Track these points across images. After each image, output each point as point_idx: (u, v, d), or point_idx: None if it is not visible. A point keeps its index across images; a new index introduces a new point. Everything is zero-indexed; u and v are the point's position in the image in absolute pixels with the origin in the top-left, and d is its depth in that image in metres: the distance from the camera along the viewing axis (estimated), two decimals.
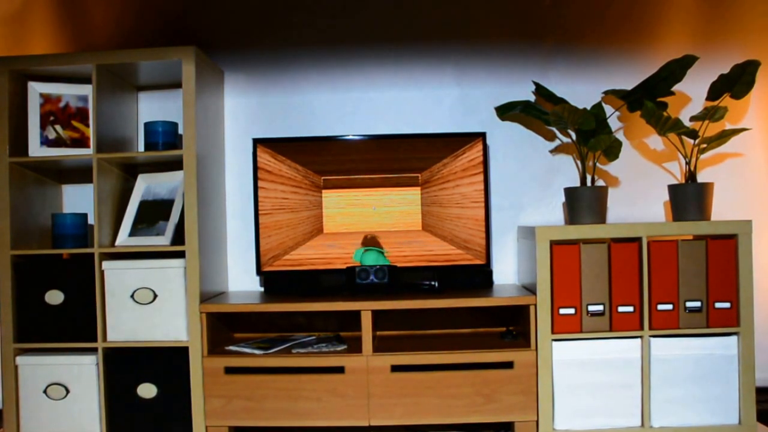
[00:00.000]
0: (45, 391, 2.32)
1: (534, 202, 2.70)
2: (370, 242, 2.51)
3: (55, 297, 2.33)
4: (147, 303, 2.30)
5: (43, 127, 2.43)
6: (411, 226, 2.53)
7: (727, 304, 2.25)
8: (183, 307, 2.30)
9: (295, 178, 2.54)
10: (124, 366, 2.31)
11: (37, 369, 2.33)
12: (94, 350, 2.33)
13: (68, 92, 2.47)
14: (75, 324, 2.32)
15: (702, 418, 2.24)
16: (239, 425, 2.29)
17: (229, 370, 2.26)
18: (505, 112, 2.58)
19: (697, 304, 2.25)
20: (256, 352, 2.30)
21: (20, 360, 2.33)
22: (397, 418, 2.24)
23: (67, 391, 2.32)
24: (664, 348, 2.24)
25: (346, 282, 2.49)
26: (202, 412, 2.27)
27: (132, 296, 2.30)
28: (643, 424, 2.24)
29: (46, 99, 2.44)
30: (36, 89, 2.43)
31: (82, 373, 2.32)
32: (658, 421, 2.24)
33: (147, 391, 2.30)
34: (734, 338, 2.24)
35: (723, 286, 2.25)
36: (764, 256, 2.65)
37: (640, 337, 2.24)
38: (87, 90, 2.46)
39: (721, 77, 2.38)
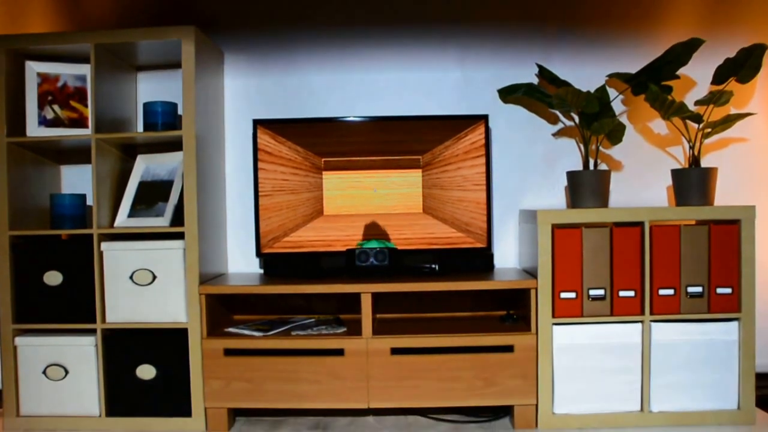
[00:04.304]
0: (44, 372, 2.32)
1: (536, 185, 2.68)
2: (372, 231, 2.49)
3: (53, 278, 2.32)
4: (146, 284, 2.29)
5: (41, 107, 2.41)
6: (412, 208, 2.52)
7: (728, 290, 2.24)
8: (182, 288, 2.29)
9: (295, 159, 2.52)
10: (123, 347, 2.31)
11: (37, 350, 2.33)
12: (93, 331, 2.33)
13: (66, 72, 2.44)
14: (74, 305, 2.32)
15: (701, 403, 2.24)
16: (238, 407, 2.29)
17: (229, 352, 2.26)
18: (508, 94, 2.55)
19: (699, 289, 2.24)
20: (256, 334, 2.29)
21: (19, 341, 2.33)
22: (396, 400, 2.24)
23: (67, 372, 2.32)
24: (665, 333, 2.23)
25: (346, 264, 2.48)
26: (201, 393, 2.27)
27: (131, 277, 2.29)
28: (642, 409, 2.24)
29: (44, 78, 2.42)
30: (33, 68, 2.41)
31: (81, 354, 2.32)
32: (658, 406, 2.24)
33: (146, 372, 2.30)
34: (735, 324, 2.24)
35: (725, 272, 2.24)
36: (767, 241, 2.63)
37: (641, 321, 2.24)
38: (85, 69, 2.44)
39: (727, 61, 2.36)
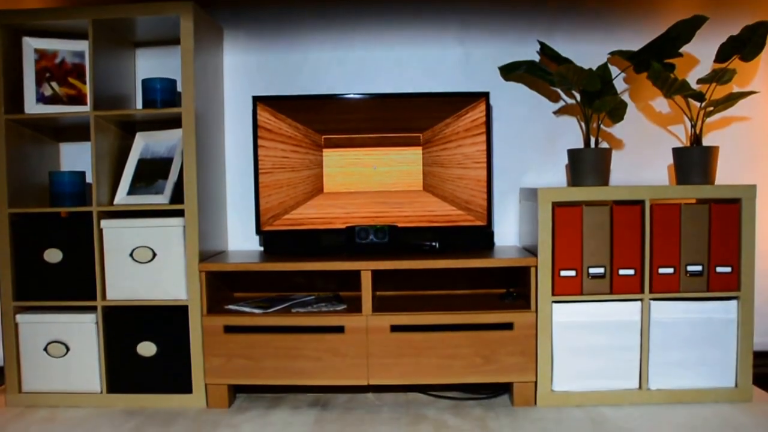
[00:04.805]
0: (45, 349, 2.33)
1: (537, 163, 2.68)
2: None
3: (53, 255, 2.32)
4: (146, 262, 2.29)
5: (38, 83, 2.39)
6: (412, 186, 2.51)
7: (728, 269, 2.24)
8: (182, 266, 2.29)
9: (295, 136, 2.51)
10: (124, 324, 2.32)
11: (37, 327, 2.34)
12: (93, 308, 2.33)
13: (64, 48, 2.42)
14: (74, 282, 2.32)
15: (699, 380, 2.25)
16: (239, 383, 2.30)
17: (229, 329, 2.27)
18: (509, 71, 2.54)
19: (699, 268, 2.24)
20: (256, 311, 2.30)
21: (20, 318, 2.34)
22: (396, 377, 2.25)
23: (67, 349, 2.33)
24: (664, 311, 2.24)
25: (346, 242, 2.48)
26: (202, 370, 2.28)
27: (131, 255, 2.29)
28: (640, 387, 2.25)
29: (42, 55, 2.40)
30: (31, 45, 2.39)
31: (81, 332, 2.32)
32: (656, 384, 2.25)
33: (147, 349, 2.31)
34: (734, 302, 2.24)
35: (725, 251, 2.24)
36: (767, 220, 2.63)
37: (641, 300, 2.24)
38: (83, 46, 2.42)
39: (730, 39, 2.34)
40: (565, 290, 2.24)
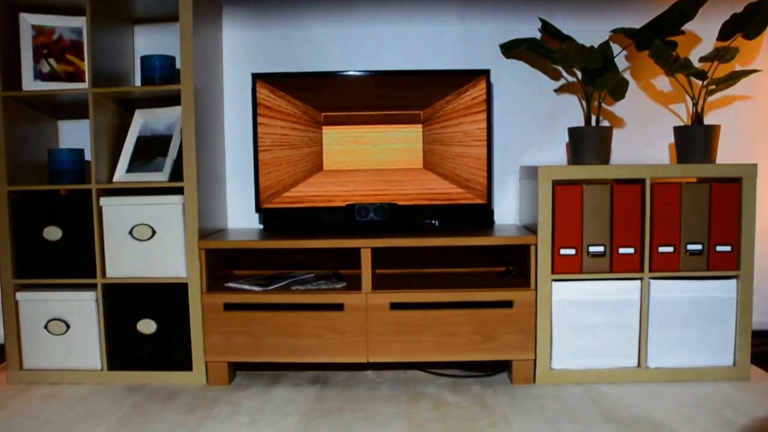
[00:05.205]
0: (46, 327, 2.34)
1: (537, 141, 2.67)
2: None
3: (53, 233, 2.32)
4: (146, 239, 2.29)
5: (36, 60, 2.37)
6: (412, 164, 2.50)
7: (728, 248, 2.24)
8: (182, 243, 2.29)
9: (294, 114, 2.50)
10: (124, 302, 2.32)
11: (38, 305, 2.34)
12: (93, 286, 2.34)
13: (62, 24, 2.40)
14: (74, 260, 2.32)
15: (697, 359, 2.26)
16: (239, 361, 2.31)
17: (228, 307, 2.27)
18: (510, 49, 2.52)
19: (698, 247, 2.24)
20: (255, 288, 2.30)
21: (20, 296, 2.34)
22: (395, 355, 2.26)
23: (68, 327, 2.34)
24: (664, 290, 2.24)
25: (345, 219, 2.48)
26: (202, 347, 2.29)
27: (130, 233, 2.29)
28: (639, 365, 2.26)
29: (39, 31, 2.38)
30: (28, 21, 2.37)
31: (81, 309, 2.33)
32: (655, 362, 2.26)
33: (147, 326, 2.32)
34: (733, 282, 2.25)
35: (725, 230, 2.24)
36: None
37: (640, 278, 2.24)
38: (81, 22, 2.40)
39: (733, 16, 2.32)
40: (564, 268, 2.24)
